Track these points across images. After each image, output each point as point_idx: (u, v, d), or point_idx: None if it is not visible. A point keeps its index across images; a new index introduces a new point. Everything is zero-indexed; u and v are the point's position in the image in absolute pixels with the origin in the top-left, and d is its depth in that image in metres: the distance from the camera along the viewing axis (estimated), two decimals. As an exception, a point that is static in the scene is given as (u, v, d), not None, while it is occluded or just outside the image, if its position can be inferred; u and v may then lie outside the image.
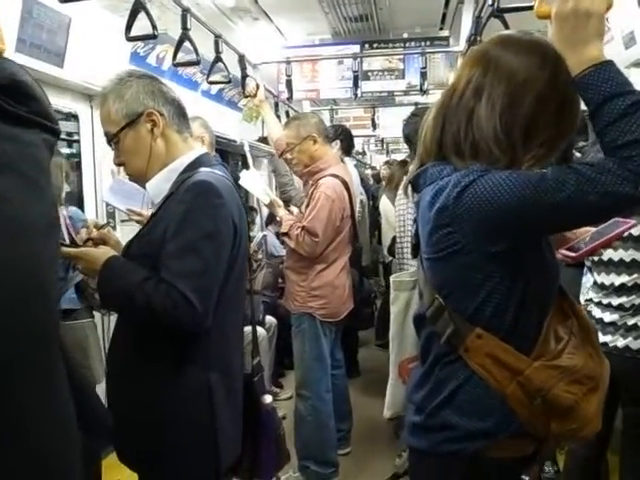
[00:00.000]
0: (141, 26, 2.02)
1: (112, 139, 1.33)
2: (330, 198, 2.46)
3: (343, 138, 3.74)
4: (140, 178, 1.37)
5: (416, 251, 1.14)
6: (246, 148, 4.17)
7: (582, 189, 0.85)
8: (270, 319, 3.65)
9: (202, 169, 1.32)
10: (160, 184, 1.34)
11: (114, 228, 2.92)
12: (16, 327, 0.62)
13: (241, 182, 2.86)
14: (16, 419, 0.63)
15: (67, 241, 1.98)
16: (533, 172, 0.94)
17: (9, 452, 0.61)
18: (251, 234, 4.18)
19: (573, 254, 1.34)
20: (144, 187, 1.38)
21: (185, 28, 2.29)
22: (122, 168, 1.39)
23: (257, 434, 1.50)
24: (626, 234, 1.81)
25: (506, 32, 1.11)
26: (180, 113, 1.38)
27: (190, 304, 1.17)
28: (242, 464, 1.46)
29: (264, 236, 3.81)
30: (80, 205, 2.84)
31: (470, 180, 0.94)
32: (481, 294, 0.98)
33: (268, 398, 1.58)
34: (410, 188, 1.13)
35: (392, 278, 1.81)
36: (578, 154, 2.23)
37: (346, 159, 3.68)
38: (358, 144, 4.92)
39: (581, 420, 0.97)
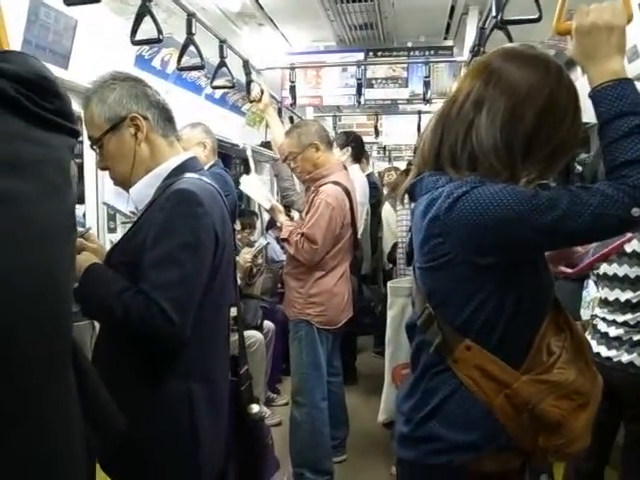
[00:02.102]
0: (147, 29, 2.03)
1: (95, 143, 1.30)
2: (330, 205, 2.46)
3: (354, 145, 3.75)
4: (124, 183, 1.34)
5: (410, 259, 1.13)
6: (248, 152, 4.18)
7: (574, 210, 0.85)
8: (268, 324, 3.64)
9: (187, 174, 1.28)
10: (143, 190, 1.31)
11: (114, 230, 2.92)
12: (31, 331, 0.62)
13: (241, 187, 2.86)
14: (33, 423, 0.63)
15: None
16: (528, 189, 0.93)
17: (17, 448, 0.61)
18: (251, 238, 4.18)
19: (570, 270, 1.33)
20: (128, 192, 1.34)
21: (190, 33, 2.30)
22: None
23: (243, 444, 1.48)
24: (630, 250, 1.81)
25: (510, 45, 1.10)
26: (165, 117, 1.34)
27: (167, 316, 1.14)
28: (227, 475, 1.43)
29: (267, 243, 3.81)
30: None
31: (462, 192, 0.93)
32: (471, 306, 0.97)
33: (255, 407, 1.55)
34: (407, 196, 1.12)
35: (389, 284, 1.81)
36: (580, 167, 2.22)
37: (354, 166, 3.68)
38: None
39: (568, 436, 0.96)
